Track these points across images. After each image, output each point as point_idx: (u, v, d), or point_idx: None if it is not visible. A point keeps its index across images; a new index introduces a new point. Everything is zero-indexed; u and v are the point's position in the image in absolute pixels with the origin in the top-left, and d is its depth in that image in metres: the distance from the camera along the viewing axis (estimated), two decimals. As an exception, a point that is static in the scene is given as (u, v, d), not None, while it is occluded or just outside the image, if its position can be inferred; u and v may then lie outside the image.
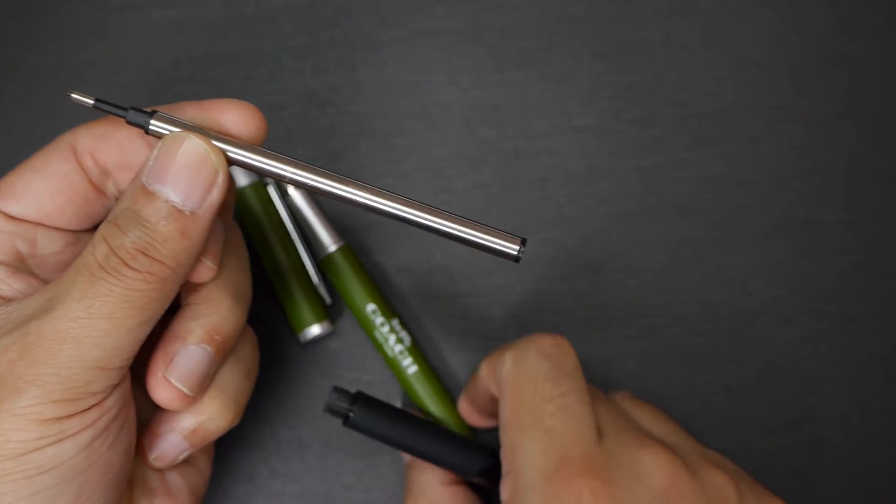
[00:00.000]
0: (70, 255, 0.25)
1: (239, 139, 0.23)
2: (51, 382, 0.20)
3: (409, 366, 0.33)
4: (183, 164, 0.22)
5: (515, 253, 0.23)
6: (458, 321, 0.35)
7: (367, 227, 0.36)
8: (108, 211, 0.25)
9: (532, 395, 0.26)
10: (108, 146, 0.24)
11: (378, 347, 0.34)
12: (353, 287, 0.34)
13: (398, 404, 0.34)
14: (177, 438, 0.25)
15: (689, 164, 0.36)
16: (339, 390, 0.28)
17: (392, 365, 0.34)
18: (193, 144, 0.22)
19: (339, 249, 0.34)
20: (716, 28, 0.37)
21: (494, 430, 0.30)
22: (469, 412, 0.32)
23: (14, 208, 0.24)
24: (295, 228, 0.35)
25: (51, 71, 0.37)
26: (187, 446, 0.25)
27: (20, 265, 0.24)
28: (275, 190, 0.35)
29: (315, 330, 0.34)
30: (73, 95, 0.23)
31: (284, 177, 0.23)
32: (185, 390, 0.24)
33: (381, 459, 0.35)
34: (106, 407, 0.22)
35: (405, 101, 0.36)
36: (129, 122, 0.23)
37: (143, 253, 0.21)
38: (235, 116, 0.23)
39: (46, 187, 0.24)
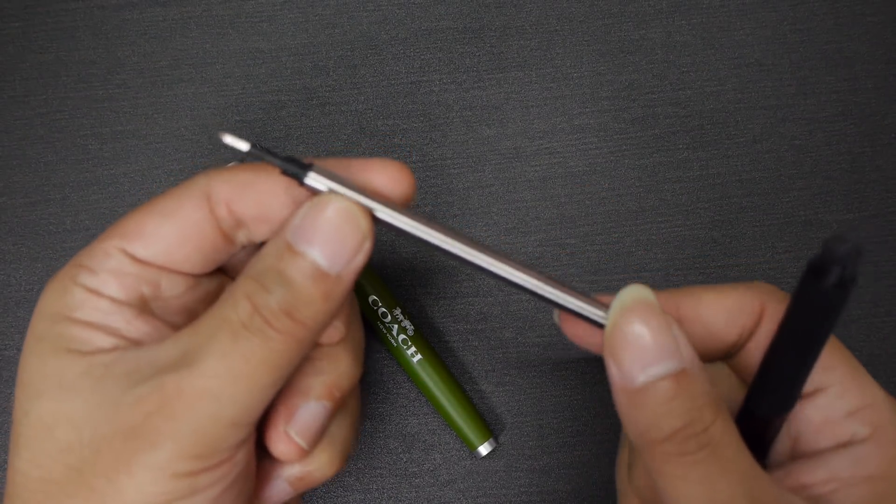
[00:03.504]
0: (191, 299, 0.24)
1: (387, 199, 0.23)
2: (187, 438, 0.20)
3: (414, 354, 0.34)
4: (331, 226, 0.21)
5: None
6: (458, 321, 0.35)
7: (367, 227, 0.36)
8: (231, 257, 0.25)
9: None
10: (247, 197, 0.23)
11: (382, 338, 0.34)
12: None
13: None
14: (284, 485, 0.25)
15: (689, 164, 0.36)
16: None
17: (397, 354, 0.34)
18: (343, 206, 0.21)
19: None
20: (716, 27, 0.37)
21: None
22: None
23: (142, 251, 0.23)
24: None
25: (49, 70, 0.37)
26: (292, 492, 0.26)
27: (144, 307, 0.23)
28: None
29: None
30: (227, 139, 0.22)
31: (430, 243, 0.22)
32: (304, 444, 0.24)
33: (380, 460, 0.35)
34: (235, 462, 0.22)
35: (405, 101, 0.36)
36: (285, 173, 0.22)
37: (286, 314, 0.21)
38: (387, 178, 0.23)
39: (176, 233, 0.23)
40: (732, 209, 0.36)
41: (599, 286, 0.35)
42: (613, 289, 0.35)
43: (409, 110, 0.36)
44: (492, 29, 0.37)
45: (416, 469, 0.35)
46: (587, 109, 0.36)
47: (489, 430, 0.34)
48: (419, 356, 0.34)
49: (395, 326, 0.34)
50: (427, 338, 0.35)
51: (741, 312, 0.23)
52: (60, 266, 0.35)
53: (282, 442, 0.24)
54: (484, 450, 0.33)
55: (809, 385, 0.22)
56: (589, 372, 0.35)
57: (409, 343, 0.34)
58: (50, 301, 0.23)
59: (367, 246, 0.22)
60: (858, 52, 0.36)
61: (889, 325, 0.35)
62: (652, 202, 0.36)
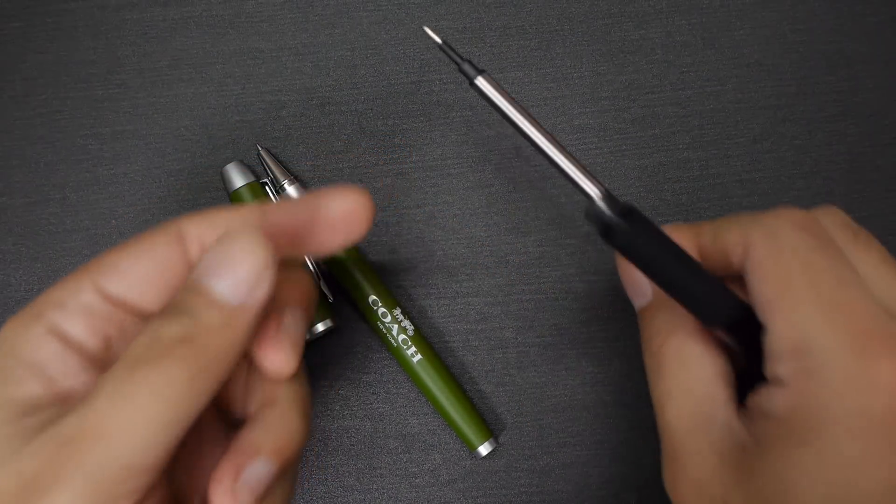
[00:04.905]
0: None
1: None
2: (81, 486, 0.20)
3: (414, 355, 0.34)
4: (232, 259, 0.21)
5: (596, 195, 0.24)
6: (458, 321, 0.35)
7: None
8: None
9: (804, 270, 0.23)
10: (216, 234, 0.23)
11: (382, 338, 0.34)
12: (354, 278, 0.34)
13: None
14: None
15: (689, 164, 0.36)
16: (608, 196, 0.23)
17: (397, 354, 0.34)
18: (245, 239, 0.22)
19: None
20: (717, 27, 0.37)
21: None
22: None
23: (115, 287, 0.23)
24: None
25: (49, 70, 0.37)
26: None
27: (104, 354, 0.23)
28: (271, 189, 0.35)
29: (318, 328, 0.34)
30: (426, 29, 0.26)
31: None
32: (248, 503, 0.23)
33: (380, 460, 0.35)
34: None
35: (405, 101, 0.36)
36: (461, 71, 0.25)
37: (184, 341, 0.20)
38: (346, 207, 0.23)
39: (150, 271, 0.23)
40: (732, 209, 0.36)
41: (599, 286, 0.35)
42: (614, 289, 0.35)
43: (409, 110, 0.36)
44: (492, 29, 0.37)
45: (416, 469, 0.35)
46: (587, 109, 0.36)
47: (489, 430, 0.34)
48: (419, 356, 0.34)
49: (395, 326, 0.34)
50: (427, 338, 0.35)
51: (734, 244, 0.26)
52: (60, 266, 0.36)
53: (226, 500, 0.23)
54: (484, 450, 0.33)
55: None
56: (589, 372, 0.35)
57: (409, 343, 0.34)
58: (7, 335, 0.22)
59: (267, 275, 0.22)
60: (858, 52, 0.36)
61: (889, 325, 0.35)
62: (652, 202, 0.36)
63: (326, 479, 0.34)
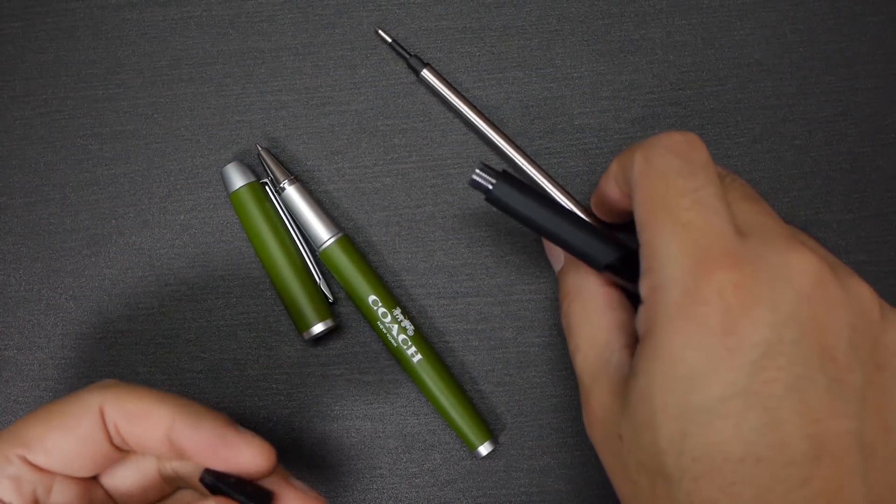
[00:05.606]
0: (77, 498, 0.26)
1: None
2: None
3: (414, 355, 0.33)
4: None
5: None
6: (458, 321, 0.35)
7: (368, 227, 0.36)
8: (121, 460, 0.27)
9: (664, 191, 0.25)
10: (131, 428, 0.25)
11: (382, 338, 0.34)
12: (354, 278, 0.34)
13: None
14: None
15: (689, 164, 0.36)
16: (484, 167, 0.27)
17: (397, 354, 0.34)
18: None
19: (338, 240, 0.34)
20: (716, 27, 0.37)
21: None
22: (601, 210, 0.32)
23: (42, 461, 0.25)
24: (293, 226, 0.35)
25: (49, 70, 0.37)
26: None
27: None
28: (271, 189, 0.35)
29: (318, 328, 0.34)
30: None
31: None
32: None
33: (380, 460, 0.35)
34: None
35: (405, 101, 0.36)
36: (409, 66, 0.31)
37: None
38: (250, 456, 0.25)
39: (74, 447, 0.25)
40: (732, 209, 0.36)
41: (599, 286, 0.35)
42: (613, 289, 0.35)
43: (409, 110, 0.36)
44: (492, 29, 0.37)
45: (416, 469, 0.35)
46: (587, 109, 0.36)
47: (489, 430, 0.34)
48: (419, 356, 0.34)
49: (395, 326, 0.34)
50: (427, 338, 0.35)
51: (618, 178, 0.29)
52: (61, 266, 0.36)
53: None
54: (484, 450, 0.33)
55: None
56: (589, 372, 0.35)
57: (409, 343, 0.34)
58: None
59: None
60: (858, 52, 0.36)
61: (889, 325, 0.35)
62: (652, 202, 0.36)
63: (326, 479, 0.34)
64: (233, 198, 0.35)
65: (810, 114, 0.36)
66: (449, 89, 0.35)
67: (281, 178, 0.34)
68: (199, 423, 0.25)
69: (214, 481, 0.24)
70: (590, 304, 0.29)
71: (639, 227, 0.26)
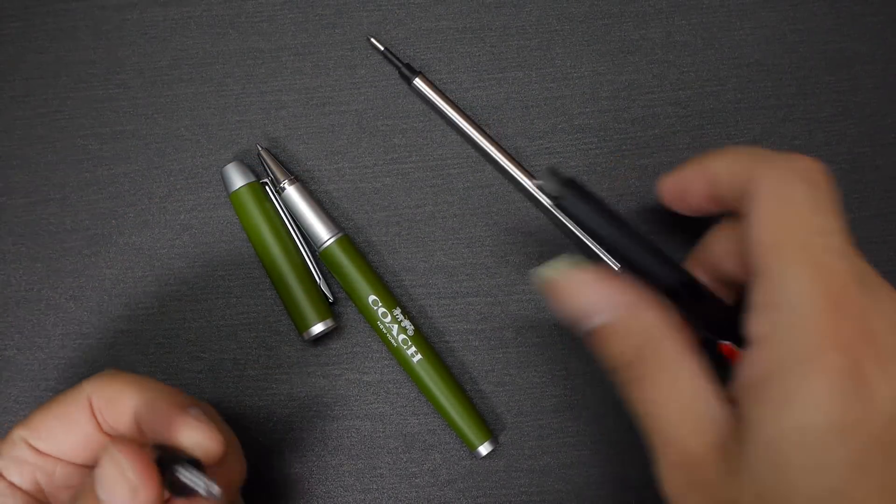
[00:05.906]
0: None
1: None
2: None
3: (414, 355, 0.33)
4: (108, 479, 0.25)
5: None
6: (458, 321, 0.35)
7: (368, 227, 0.36)
8: None
9: (799, 225, 0.24)
10: (110, 411, 0.28)
11: (382, 338, 0.34)
12: (354, 278, 0.34)
13: None
14: None
15: (689, 164, 0.36)
16: (553, 172, 0.26)
17: (397, 354, 0.34)
18: (118, 465, 0.25)
19: (338, 240, 0.34)
20: (716, 27, 0.37)
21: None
22: (671, 196, 0.30)
23: (42, 445, 0.28)
24: (293, 226, 0.35)
25: (49, 70, 0.37)
26: None
27: (39, 495, 0.28)
28: (271, 189, 0.35)
29: (318, 328, 0.34)
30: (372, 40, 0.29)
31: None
32: None
33: (380, 460, 0.35)
34: None
35: (405, 101, 0.36)
36: (401, 75, 0.30)
37: None
38: (198, 440, 0.26)
39: (68, 434, 0.28)
40: (732, 209, 0.36)
41: (599, 286, 0.35)
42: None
43: (409, 110, 0.36)
44: (492, 29, 0.37)
45: (416, 469, 0.35)
46: (587, 109, 0.36)
47: (489, 430, 0.34)
48: (419, 356, 0.34)
49: (395, 326, 0.34)
50: (427, 338, 0.35)
51: (732, 176, 0.27)
52: (61, 266, 0.36)
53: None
54: (484, 450, 0.33)
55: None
56: (589, 373, 0.35)
57: (409, 343, 0.34)
58: None
59: (141, 496, 0.24)
60: (858, 52, 0.36)
61: (889, 325, 0.35)
62: (652, 202, 0.36)
63: (326, 479, 0.34)
64: (233, 198, 0.35)
65: (810, 114, 0.36)
66: (441, 98, 0.35)
67: (281, 178, 0.34)
68: (154, 405, 0.27)
69: (160, 455, 0.25)
70: (663, 353, 0.26)
71: (763, 253, 0.24)
